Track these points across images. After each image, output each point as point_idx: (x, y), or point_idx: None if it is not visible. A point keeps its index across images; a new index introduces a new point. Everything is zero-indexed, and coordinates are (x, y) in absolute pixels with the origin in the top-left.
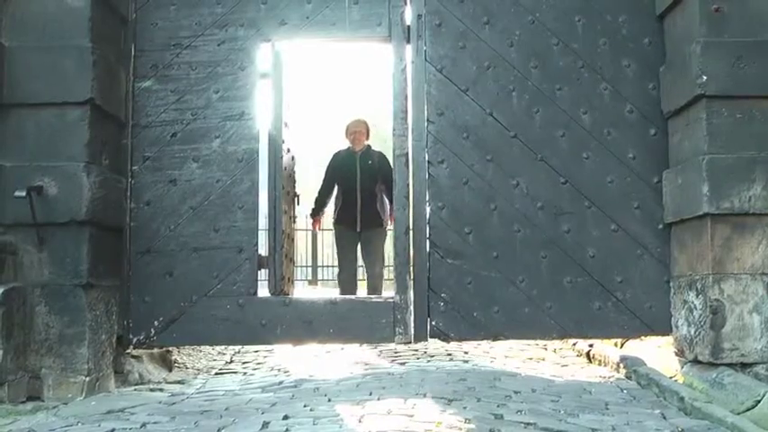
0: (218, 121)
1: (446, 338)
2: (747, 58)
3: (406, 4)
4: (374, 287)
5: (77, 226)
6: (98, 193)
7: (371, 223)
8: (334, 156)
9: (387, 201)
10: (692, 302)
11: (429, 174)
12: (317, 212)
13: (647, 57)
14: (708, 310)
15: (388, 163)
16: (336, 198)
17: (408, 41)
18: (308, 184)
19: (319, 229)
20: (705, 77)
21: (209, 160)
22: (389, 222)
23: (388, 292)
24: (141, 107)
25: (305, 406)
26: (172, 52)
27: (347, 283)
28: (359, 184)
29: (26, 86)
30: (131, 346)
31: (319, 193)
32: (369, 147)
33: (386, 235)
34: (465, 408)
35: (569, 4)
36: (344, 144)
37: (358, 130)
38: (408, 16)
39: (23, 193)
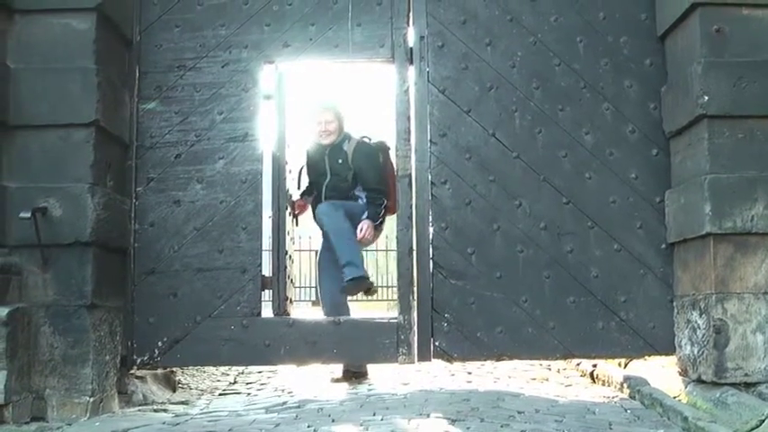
0: (221, 143)
1: (449, 359)
2: (748, 77)
3: (408, 25)
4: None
5: (82, 247)
6: (102, 215)
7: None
8: (306, 151)
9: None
10: (696, 322)
11: (432, 194)
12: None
13: (648, 77)
14: (711, 330)
15: (371, 155)
16: None
17: (411, 63)
18: None
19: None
20: (706, 97)
21: (212, 181)
22: (371, 236)
23: (392, 312)
24: (145, 128)
25: (308, 426)
26: (176, 74)
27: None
28: (324, 191)
29: (31, 108)
30: (135, 367)
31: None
32: (345, 137)
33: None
34: (468, 428)
35: (571, 25)
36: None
37: (324, 119)
38: (411, 38)
39: (28, 215)
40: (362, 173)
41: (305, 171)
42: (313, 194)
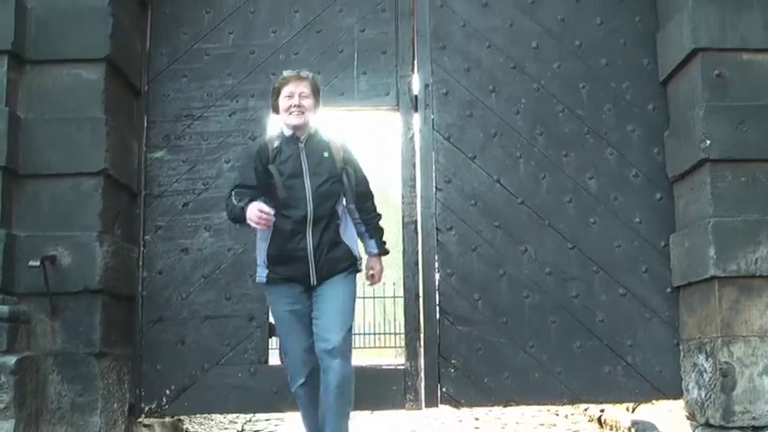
0: (229, 191)
1: (457, 405)
2: (750, 121)
3: (413, 73)
4: (335, 385)
5: (90, 295)
6: (111, 263)
7: (335, 265)
8: (253, 151)
9: (354, 223)
10: (702, 365)
11: (438, 240)
12: None
13: (651, 122)
14: (718, 373)
15: (355, 157)
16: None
17: (416, 110)
18: None
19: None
20: (709, 141)
21: (220, 229)
22: (361, 263)
23: (399, 358)
24: (153, 177)
25: None
26: (183, 123)
27: (307, 390)
28: (310, 199)
29: (41, 157)
30: (143, 415)
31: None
32: (317, 130)
33: (355, 283)
34: None
35: (574, 72)
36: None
37: (298, 91)
38: (416, 86)
39: (37, 263)
40: (355, 178)
41: (250, 178)
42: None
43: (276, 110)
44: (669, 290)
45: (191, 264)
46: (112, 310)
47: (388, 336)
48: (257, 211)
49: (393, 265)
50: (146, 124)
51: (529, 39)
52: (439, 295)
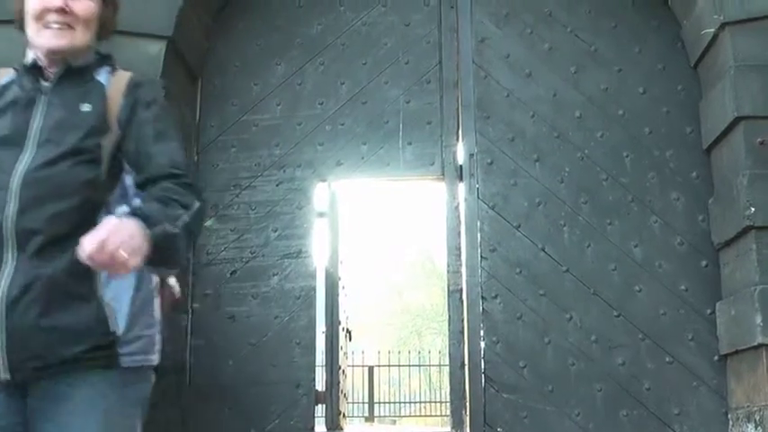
0: (276, 259)
1: None
2: None
3: (458, 143)
4: None
5: None
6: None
7: (59, 347)
8: None
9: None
10: None
11: (483, 309)
12: None
13: (695, 189)
14: None
15: (169, 113)
16: None
17: (461, 179)
18: (359, 318)
19: None
20: (753, 209)
21: (267, 297)
22: (154, 340)
23: (446, 427)
24: (202, 246)
25: None
26: (232, 192)
27: None
28: (16, 193)
29: None
30: None
31: None
32: (102, 60)
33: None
34: None
35: (617, 141)
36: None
37: None
38: (460, 155)
39: None
40: (151, 142)
41: None
42: None
43: (21, 21)
44: (716, 358)
45: (238, 332)
46: (161, 377)
47: (433, 404)
48: None
49: (439, 334)
50: None
51: (572, 108)
52: (484, 363)
